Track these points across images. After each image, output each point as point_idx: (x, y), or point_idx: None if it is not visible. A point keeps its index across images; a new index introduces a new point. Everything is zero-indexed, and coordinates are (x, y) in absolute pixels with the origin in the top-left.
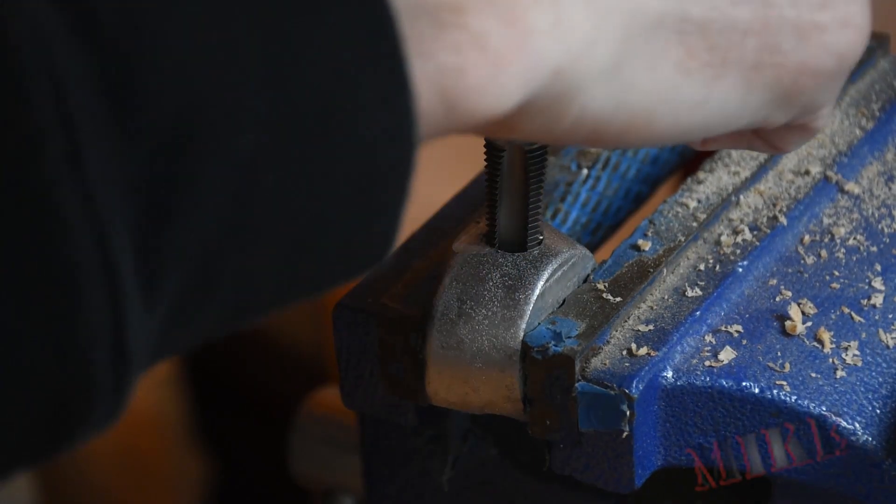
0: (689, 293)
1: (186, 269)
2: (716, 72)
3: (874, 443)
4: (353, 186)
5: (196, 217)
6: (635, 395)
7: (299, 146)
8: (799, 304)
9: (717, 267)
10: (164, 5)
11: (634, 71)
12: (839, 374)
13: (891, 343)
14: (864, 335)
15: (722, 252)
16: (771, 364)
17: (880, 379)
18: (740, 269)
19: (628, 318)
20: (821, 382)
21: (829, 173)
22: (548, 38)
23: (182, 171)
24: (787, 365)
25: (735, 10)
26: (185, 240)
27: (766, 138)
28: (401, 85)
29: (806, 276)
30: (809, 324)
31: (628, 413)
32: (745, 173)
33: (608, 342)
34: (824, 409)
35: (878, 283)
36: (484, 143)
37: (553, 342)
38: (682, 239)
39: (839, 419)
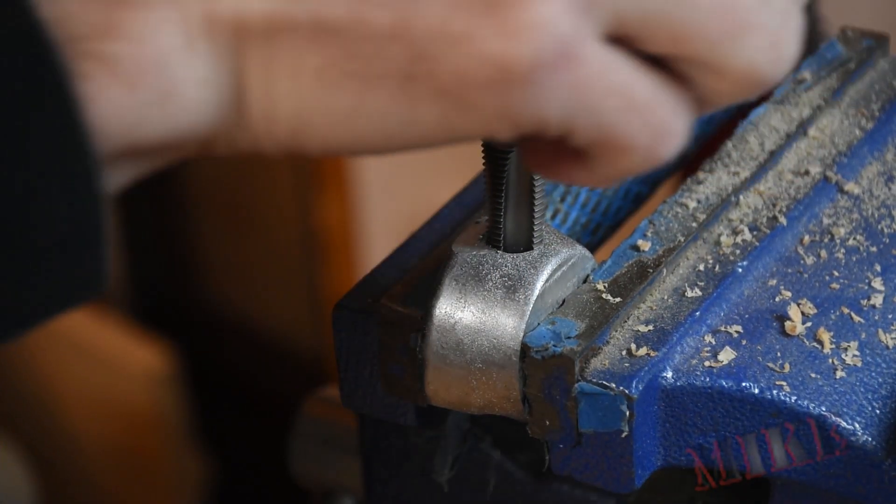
0: (689, 293)
1: None
2: (364, 82)
3: (874, 443)
4: (46, 242)
5: None
6: (635, 396)
7: None
8: (798, 305)
9: (717, 267)
10: None
11: (277, 78)
12: (839, 374)
13: (890, 343)
14: (863, 335)
15: (722, 252)
16: (771, 364)
17: (880, 379)
18: (740, 270)
19: (628, 318)
20: (820, 383)
21: (829, 173)
22: (179, 54)
23: None
24: (787, 365)
25: (374, 16)
26: None
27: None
28: (75, 135)
29: (806, 276)
30: (809, 324)
31: (628, 413)
32: (745, 174)
33: (608, 342)
34: (824, 409)
35: (877, 284)
36: (482, 144)
37: (553, 342)
38: (682, 239)
39: (839, 419)
